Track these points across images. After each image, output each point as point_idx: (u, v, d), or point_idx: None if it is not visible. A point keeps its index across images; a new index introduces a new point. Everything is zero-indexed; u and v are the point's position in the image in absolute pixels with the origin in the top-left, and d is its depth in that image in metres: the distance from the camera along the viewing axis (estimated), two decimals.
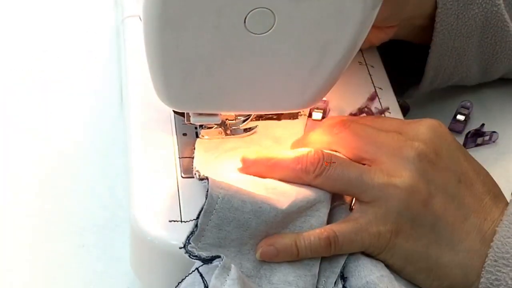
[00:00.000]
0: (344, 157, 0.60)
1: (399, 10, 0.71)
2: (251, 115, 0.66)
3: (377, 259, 0.59)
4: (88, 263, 0.68)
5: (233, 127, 0.65)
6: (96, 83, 0.85)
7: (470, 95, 0.82)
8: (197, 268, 0.55)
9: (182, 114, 0.65)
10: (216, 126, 0.65)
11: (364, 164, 0.60)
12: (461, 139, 0.79)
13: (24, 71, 0.86)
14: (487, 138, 0.80)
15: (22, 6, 0.93)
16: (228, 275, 0.54)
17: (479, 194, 0.60)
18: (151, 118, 0.66)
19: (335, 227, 0.58)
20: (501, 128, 0.81)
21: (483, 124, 0.80)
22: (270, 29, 0.54)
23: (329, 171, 0.58)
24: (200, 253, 0.55)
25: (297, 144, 0.64)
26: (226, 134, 0.65)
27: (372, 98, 0.70)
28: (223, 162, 0.62)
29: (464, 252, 0.58)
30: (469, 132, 0.80)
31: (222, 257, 0.55)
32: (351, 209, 0.61)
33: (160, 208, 0.59)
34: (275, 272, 0.58)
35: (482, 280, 0.56)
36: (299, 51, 0.57)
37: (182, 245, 0.55)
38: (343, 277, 0.58)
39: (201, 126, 0.65)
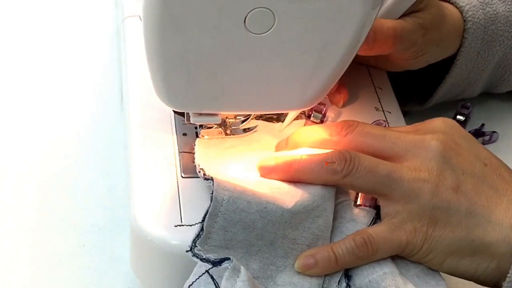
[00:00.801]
0: (369, 156, 0.59)
1: (426, 58, 0.72)
2: (251, 115, 0.66)
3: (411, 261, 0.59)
4: (88, 263, 0.68)
5: (233, 127, 0.65)
6: (96, 83, 0.85)
7: None
8: (207, 271, 0.55)
9: (182, 114, 0.65)
10: (216, 126, 0.65)
11: None
12: None
13: (24, 71, 0.86)
14: (487, 138, 0.80)
15: (22, 6, 0.93)
16: (238, 276, 0.54)
17: (506, 175, 0.60)
18: (151, 118, 0.66)
19: (369, 228, 0.59)
20: (501, 128, 0.81)
21: (483, 124, 0.80)
22: (270, 29, 0.54)
23: (358, 171, 0.58)
24: (208, 255, 0.55)
25: (289, 145, 0.63)
26: (226, 134, 0.65)
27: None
28: (224, 160, 0.62)
29: (507, 228, 0.57)
30: (469, 132, 0.80)
31: (231, 259, 0.54)
32: (355, 204, 0.60)
33: (160, 208, 0.59)
34: (281, 274, 0.58)
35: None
36: (299, 51, 0.57)
37: (189, 248, 0.55)
38: (347, 275, 0.58)
39: (201, 126, 0.65)
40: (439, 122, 0.61)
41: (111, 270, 0.67)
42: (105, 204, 0.72)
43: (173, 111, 0.66)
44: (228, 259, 0.55)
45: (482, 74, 0.76)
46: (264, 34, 0.55)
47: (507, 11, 0.74)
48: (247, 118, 0.65)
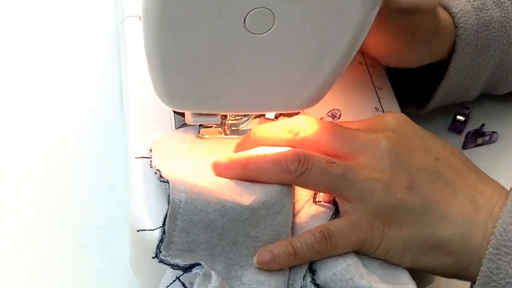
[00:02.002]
0: (323, 155, 0.59)
1: (419, 59, 0.72)
2: (251, 115, 0.66)
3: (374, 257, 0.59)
4: (88, 263, 0.68)
5: (233, 128, 0.65)
6: (96, 83, 0.85)
7: None
8: (178, 278, 0.55)
9: (182, 114, 0.65)
10: (215, 126, 0.65)
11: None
12: (461, 139, 0.80)
13: (24, 71, 0.86)
14: (487, 138, 0.80)
15: (22, 6, 0.93)
16: (209, 282, 0.54)
17: (460, 168, 0.60)
18: (151, 118, 0.66)
19: (328, 223, 0.59)
20: (501, 128, 0.81)
21: (483, 124, 0.80)
22: (270, 29, 0.54)
23: (312, 170, 0.58)
24: (176, 261, 0.55)
25: (246, 144, 0.62)
26: (226, 134, 0.65)
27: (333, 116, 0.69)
28: (180, 160, 0.62)
29: (462, 223, 0.58)
30: (469, 132, 0.80)
31: (202, 264, 0.54)
32: (315, 200, 0.61)
33: (160, 208, 0.59)
34: (246, 273, 0.58)
35: (482, 268, 0.56)
36: (299, 51, 0.57)
37: (154, 255, 0.55)
38: (311, 270, 0.58)
39: (201, 126, 0.65)
40: (388, 119, 0.61)
41: (111, 270, 0.67)
42: (105, 204, 0.72)
43: (173, 111, 0.66)
44: (198, 264, 0.54)
45: (478, 79, 0.76)
46: (263, 34, 0.55)
47: (502, 17, 0.74)
48: (248, 119, 0.65)
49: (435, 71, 0.75)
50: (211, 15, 0.53)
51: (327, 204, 0.61)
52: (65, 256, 0.68)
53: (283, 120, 0.63)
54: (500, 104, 0.84)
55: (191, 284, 0.54)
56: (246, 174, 0.59)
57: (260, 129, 0.62)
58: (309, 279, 0.58)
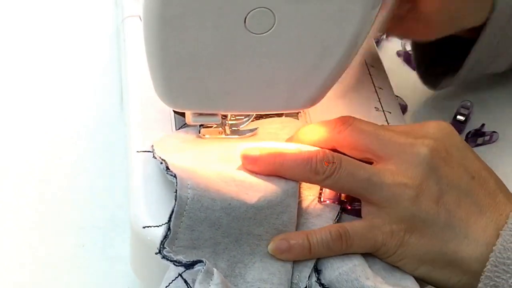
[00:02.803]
0: (352, 158, 0.59)
1: (454, 26, 0.72)
2: (251, 115, 0.66)
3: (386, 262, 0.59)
4: (88, 263, 0.68)
5: (233, 128, 0.65)
6: (96, 83, 0.85)
7: (470, 95, 0.82)
8: (180, 275, 0.54)
9: (182, 114, 0.65)
10: (216, 126, 0.65)
11: (371, 163, 0.59)
12: None
13: (24, 71, 0.86)
14: (487, 138, 0.80)
15: (22, 6, 0.93)
16: (211, 279, 0.54)
17: (493, 191, 0.59)
18: (151, 118, 0.66)
19: (347, 223, 0.58)
20: (501, 128, 0.81)
21: (483, 124, 0.80)
22: (270, 29, 0.54)
23: (339, 173, 0.58)
24: (179, 257, 0.55)
25: (292, 141, 0.63)
26: (227, 134, 0.65)
27: None
28: (186, 152, 0.62)
29: (483, 246, 0.57)
30: (469, 132, 0.80)
31: (204, 261, 0.54)
32: (319, 200, 0.61)
33: (161, 207, 0.59)
34: (249, 271, 0.57)
35: (480, 285, 0.56)
36: (299, 51, 0.57)
37: (157, 251, 0.55)
38: (316, 270, 0.58)
39: (201, 126, 0.65)
40: (434, 126, 0.60)
41: (111, 270, 0.67)
42: (105, 204, 0.72)
43: (173, 111, 0.66)
44: (200, 261, 0.54)
45: (510, 45, 0.75)
46: (264, 34, 0.55)
47: None
48: (249, 119, 0.65)
49: (468, 39, 0.74)
50: (211, 15, 0.53)
51: (332, 203, 0.61)
52: (65, 256, 0.68)
53: (327, 120, 0.62)
54: (500, 104, 0.84)
55: (194, 281, 0.54)
56: (274, 169, 0.59)
57: (306, 129, 0.62)
58: (314, 278, 0.57)
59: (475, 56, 0.74)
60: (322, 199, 0.61)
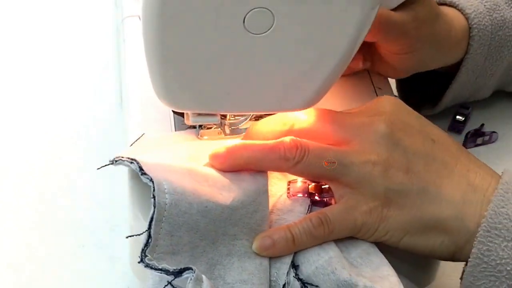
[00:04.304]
0: (319, 143, 0.60)
1: (421, 56, 0.72)
2: (250, 115, 0.66)
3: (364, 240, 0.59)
4: (88, 263, 0.68)
5: (233, 127, 0.65)
6: (96, 83, 0.85)
7: None
8: (169, 283, 0.54)
9: (182, 114, 0.65)
10: (215, 126, 0.65)
11: None
12: (461, 139, 0.80)
13: (24, 72, 0.86)
14: (487, 138, 0.80)
15: (22, 6, 0.93)
16: (201, 287, 0.53)
17: (455, 151, 0.60)
18: (151, 118, 0.66)
19: (325, 209, 0.59)
20: (501, 128, 0.81)
21: (483, 124, 0.80)
22: (269, 29, 0.54)
23: (308, 157, 0.58)
24: (163, 265, 0.54)
25: (244, 139, 0.63)
26: (226, 134, 0.65)
27: None
28: (160, 151, 0.62)
29: (459, 203, 0.58)
30: (469, 132, 0.80)
31: (194, 269, 0.54)
32: (288, 195, 0.61)
33: None
34: (229, 272, 0.58)
35: (473, 250, 0.56)
36: (299, 51, 0.56)
37: (139, 259, 0.54)
38: (294, 266, 0.58)
39: (200, 126, 0.65)
40: (385, 102, 0.61)
41: (111, 270, 0.68)
42: (105, 204, 0.72)
43: (173, 111, 0.66)
44: (189, 269, 0.54)
45: (490, 78, 0.77)
46: (263, 34, 0.55)
47: None
48: (247, 118, 0.65)
49: (447, 71, 0.75)
50: (210, 15, 0.53)
51: (301, 196, 0.61)
52: (65, 256, 0.68)
53: (278, 114, 0.63)
54: (500, 104, 0.84)
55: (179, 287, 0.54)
56: (244, 163, 0.60)
57: (256, 124, 0.62)
58: (292, 274, 0.58)
59: (454, 91, 0.76)
60: (291, 193, 0.61)
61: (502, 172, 0.60)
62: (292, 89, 0.60)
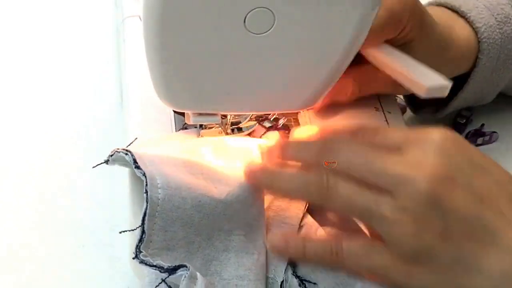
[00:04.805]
0: (351, 184, 0.55)
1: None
2: (250, 114, 0.66)
3: None
4: (88, 263, 0.68)
5: (234, 126, 0.65)
6: (96, 83, 0.85)
7: None
8: (163, 280, 0.54)
9: (182, 114, 0.65)
10: (216, 126, 0.65)
11: None
12: None
13: (24, 72, 0.86)
14: (487, 138, 0.80)
15: (22, 6, 0.93)
16: (195, 285, 0.53)
17: (505, 209, 0.54)
18: (151, 118, 0.66)
19: (347, 240, 0.56)
20: (501, 128, 0.81)
21: (483, 124, 0.80)
22: (270, 29, 0.54)
23: (334, 200, 0.55)
24: (158, 262, 0.54)
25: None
26: (227, 134, 0.65)
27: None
28: (156, 146, 0.62)
29: (496, 279, 0.52)
30: (469, 132, 0.80)
31: (188, 266, 0.54)
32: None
33: None
34: (225, 267, 0.58)
35: None
36: (299, 51, 0.57)
37: (134, 255, 0.54)
38: (292, 264, 0.58)
39: (201, 126, 0.65)
40: (432, 150, 0.54)
41: (111, 270, 0.67)
42: (105, 204, 0.72)
43: (173, 111, 0.66)
44: (183, 266, 0.54)
45: (496, 88, 0.76)
46: (263, 34, 0.55)
47: None
48: (247, 116, 0.66)
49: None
50: (211, 15, 0.53)
51: None
52: (65, 256, 0.68)
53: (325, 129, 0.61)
54: (500, 104, 0.84)
55: (174, 284, 0.54)
56: (270, 187, 0.59)
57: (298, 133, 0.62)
58: (290, 271, 0.58)
59: (459, 101, 0.75)
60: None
61: None
62: (292, 89, 0.60)
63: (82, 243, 0.69)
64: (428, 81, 0.57)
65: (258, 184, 0.59)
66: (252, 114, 0.66)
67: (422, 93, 0.57)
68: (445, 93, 0.58)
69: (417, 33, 0.66)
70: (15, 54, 0.88)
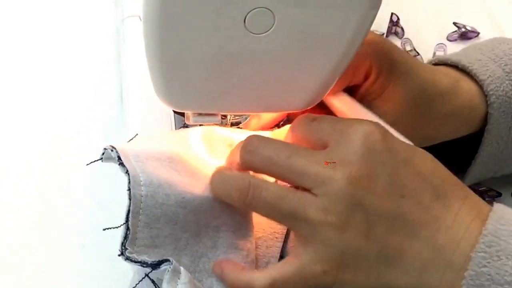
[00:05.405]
0: (276, 186, 0.56)
1: (437, 133, 0.67)
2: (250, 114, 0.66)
3: None
4: (88, 263, 0.68)
5: (234, 127, 0.65)
6: (96, 83, 0.85)
7: None
8: (147, 275, 0.54)
9: (182, 114, 0.65)
10: (216, 126, 0.65)
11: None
12: None
13: (24, 71, 0.86)
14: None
15: (22, 6, 0.93)
16: (179, 279, 0.53)
17: (428, 203, 0.53)
18: (151, 118, 0.66)
19: (277, 272, 0.55)
20: None
21: None
22: (270, 29, 0.54)
23: (258, 203, 0.55)
24: (142, 257, 0.54)
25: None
26: None
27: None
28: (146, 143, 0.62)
29: (418, 270, 0.53)
30: None
31: (171, 261, 0.54)
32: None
33: None
34: None
35: None
36: (299, 51, 0.57)
37: (120, 252, 0.54)
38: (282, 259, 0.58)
39: (201, 126, 0.65)
40: (355, 145, 0.54)
41: (111, 270, 0.67)
42: (105, 204, 0.72)
43: (173, 111, 0.66)
44: (167, 260, 0.54)
45: None
46: (263, 34, 0.55)
47: None
48: (247, 116, 0.66)
49: (475, 137, 0.68)
50: (211, 15, 0.53)
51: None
52: (65, 256, 0.68)
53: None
54: None
55: (160, 280, 0.54)
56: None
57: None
58: None
59: (477, 167, 0.69)
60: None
61: (483, 228, 0.52)
62: (292, 89, 0.60)
63: (82, 243, 0.69)
64: None
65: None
66: (252, 114, 0.66)
67: None
68: None
69: (386, 81, 0.63)
70: (15, 54, 0.88)
